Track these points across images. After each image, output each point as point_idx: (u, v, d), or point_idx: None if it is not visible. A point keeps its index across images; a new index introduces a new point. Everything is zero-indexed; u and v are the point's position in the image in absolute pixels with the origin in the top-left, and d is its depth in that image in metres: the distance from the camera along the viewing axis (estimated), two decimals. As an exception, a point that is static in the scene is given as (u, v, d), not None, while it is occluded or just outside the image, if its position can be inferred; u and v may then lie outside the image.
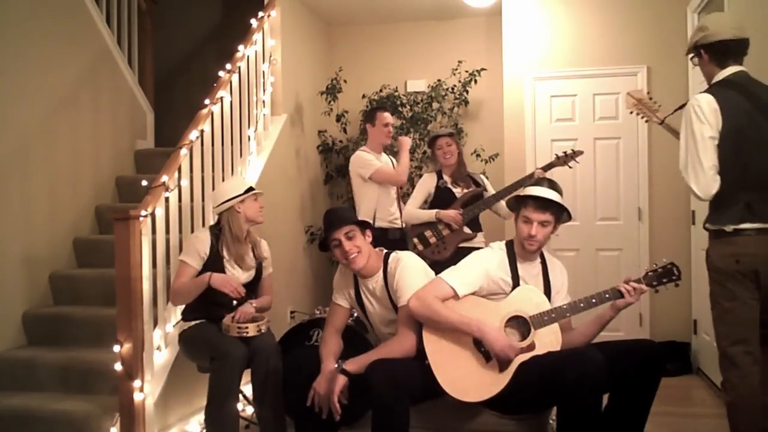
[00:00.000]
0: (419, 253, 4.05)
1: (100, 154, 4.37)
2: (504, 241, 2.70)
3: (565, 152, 3.89)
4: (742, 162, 2.35)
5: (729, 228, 2.37)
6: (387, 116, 4.19)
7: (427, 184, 4.16)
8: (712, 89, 2.42)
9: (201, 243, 3.07)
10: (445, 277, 2.58)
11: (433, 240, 3.97)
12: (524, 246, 2.60)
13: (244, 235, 3.15)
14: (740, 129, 2.34)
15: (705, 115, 2.35)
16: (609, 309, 2.54)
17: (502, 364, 2.45)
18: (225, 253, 3.07)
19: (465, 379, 2.46)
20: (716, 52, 2.47)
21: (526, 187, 2.70)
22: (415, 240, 4.01)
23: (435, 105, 5.44)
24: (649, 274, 2.54)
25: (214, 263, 3.05)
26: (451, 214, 3.94)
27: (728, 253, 2.37)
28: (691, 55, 2.58)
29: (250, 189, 3.18)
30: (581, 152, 3.91)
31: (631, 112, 3.04)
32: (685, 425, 3.42)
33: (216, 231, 3.14)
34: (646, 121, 2.99)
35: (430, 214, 3.99)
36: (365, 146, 4.24)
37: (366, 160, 4.10)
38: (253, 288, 3.20)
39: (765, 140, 2.35)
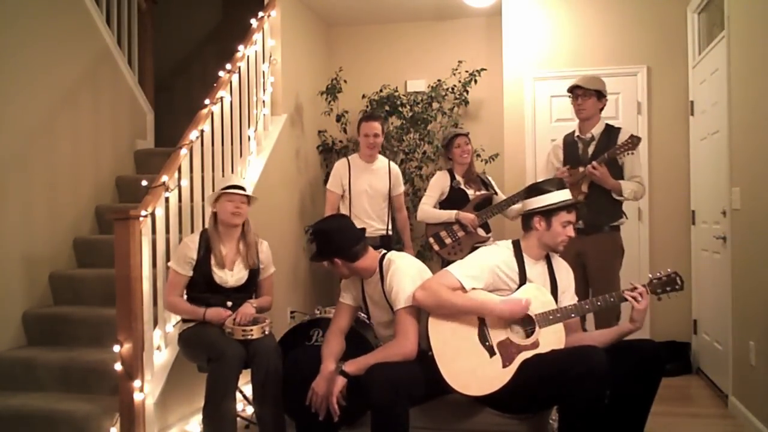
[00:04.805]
0: (436, 253, 4.07)
1: (100, 154, 4.37)
2: (510, 240, 2.70)
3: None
4: None
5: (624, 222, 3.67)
6: (370, 126, 4.13)
7: (441, 182, 4.13)
8: None
9: (188, 249, 3.07)
10: (453, 271, 2.57)
11: (448, 241, 3.97)
12: (558, 248, 2.63)
13: (222, 234, 3.11)
14: None
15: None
16: (629, 323, 2.57)
17: (506, 359, 2.46)
18: (212, 256, 3.06)
19: (468, 372, 2.46)
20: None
21: (551, 193, 2.62)
22: (431, 240, 4.00)
23: (435, 105, 5.44)
24: (653, 281, 2.58)
25: (201, 266, 3.05)
26: (470, 216, 3.92)
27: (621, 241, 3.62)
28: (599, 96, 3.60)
29: (233, 187, 3.07)
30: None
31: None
32: (685, 425, 3.42)
33: (207, 234, 3.13)
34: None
35: (450, 215, 3.97)
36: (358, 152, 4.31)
37: (332, 174, 4.30)
38: (248, 289, 3.19)
39: None
